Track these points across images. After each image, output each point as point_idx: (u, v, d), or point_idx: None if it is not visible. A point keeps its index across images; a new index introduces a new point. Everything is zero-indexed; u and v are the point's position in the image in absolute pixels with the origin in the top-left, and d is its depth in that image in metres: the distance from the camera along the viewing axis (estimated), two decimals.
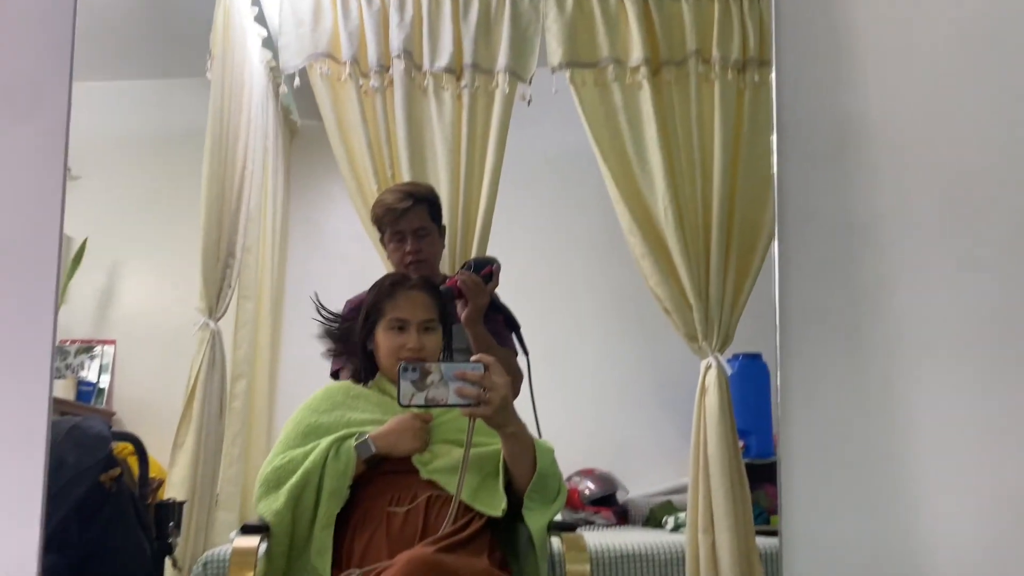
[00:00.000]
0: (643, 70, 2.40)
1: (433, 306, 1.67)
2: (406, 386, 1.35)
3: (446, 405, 1.38)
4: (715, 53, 2.39)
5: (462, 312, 1.95)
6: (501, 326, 2.08)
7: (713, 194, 2.35)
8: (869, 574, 1.26)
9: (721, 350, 2.37)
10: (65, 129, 1.20)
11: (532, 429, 1.78)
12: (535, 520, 1.48)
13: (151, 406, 3.41)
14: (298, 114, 3.46)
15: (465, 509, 1.49)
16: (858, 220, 1.26)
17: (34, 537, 0.95)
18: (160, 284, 3.66)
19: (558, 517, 1.55)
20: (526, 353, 2.05)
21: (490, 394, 1.37)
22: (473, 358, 1.40)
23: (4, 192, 1.19)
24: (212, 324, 2.57)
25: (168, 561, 1.65)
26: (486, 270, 1.99)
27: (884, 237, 1.27)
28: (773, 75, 1.60)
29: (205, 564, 2.28)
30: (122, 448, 1.67)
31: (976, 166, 1.30)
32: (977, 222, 1.29)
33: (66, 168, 1.19)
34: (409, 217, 2.07)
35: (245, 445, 2.87)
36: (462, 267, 2.03)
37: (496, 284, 2.01)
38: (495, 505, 1.50)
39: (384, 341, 1.64)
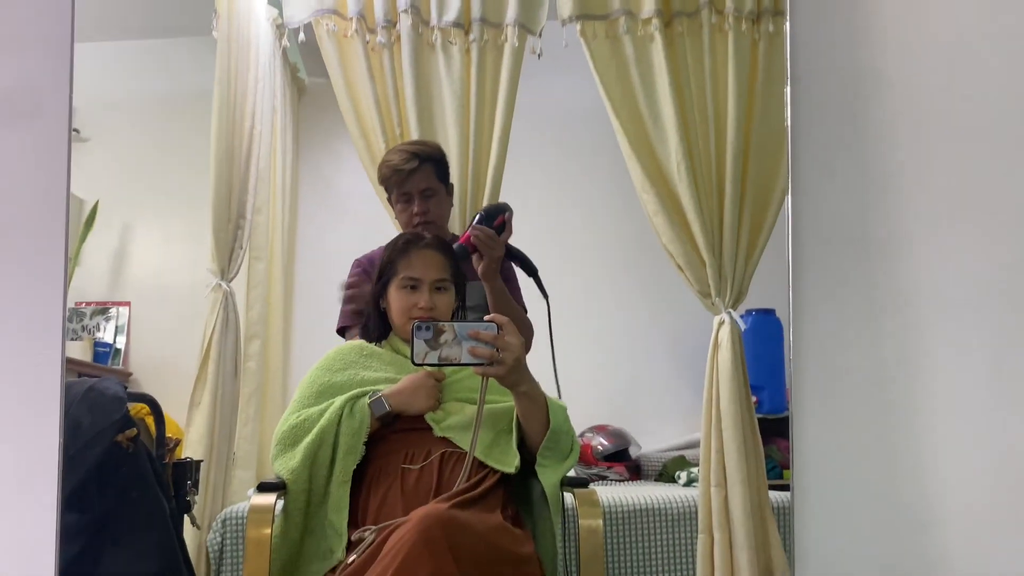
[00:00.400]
0: (655, 22, 2.35)
1: (446, 266, 1.68)
2: (419, 345, 1.36)
3: (459, 364, 1.38)
4: (728, 3, 2.33)
5: (478, 266, 1.93)
6: (509, 270, 2.05)
7: (727, 148, 2.31)
8: (881, 528, 1.26)
9: (734, 306, 2.35)
10: (69, 89, 1.19)
11: (550, 378, 1.79)
12: (548, 476, 1.49)
13: (167, 366, 3.45)
14: (305, 72, 3.42)
15: (479, 466, 1.50)
16: (873, 174, 1.24)
17: (52, 499, 0.96)
18: (172, 245, 3.67)
19: (571, 473, 1.56)
20: (545, 297, 2.02)
21: (504, 354, 1.37)
22: (487, 317, 1.40)
23: (10, 156, 1.18)
24: (224, 285, 2.58)
25: (187, 519, 1.67)
26: (498, 220, 1.94)
27: (900, 191, 1.25)
28: (787, 25, 1.56)
29: (224, 521, 2.32)
30: (139, 409, 1.68)
31: (994, 119, 1.27)
32: (995, 176, 1.26)
33: (71, 128, 1.18)
34: (415, 178, 2.04)
35: (260, 404, 2.90)
36: (473, 218, 2.00)
37: (510, 233, 1.96)
38: (508, 462, 1.51)
39: (396, 300, 1.65)
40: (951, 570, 1.24)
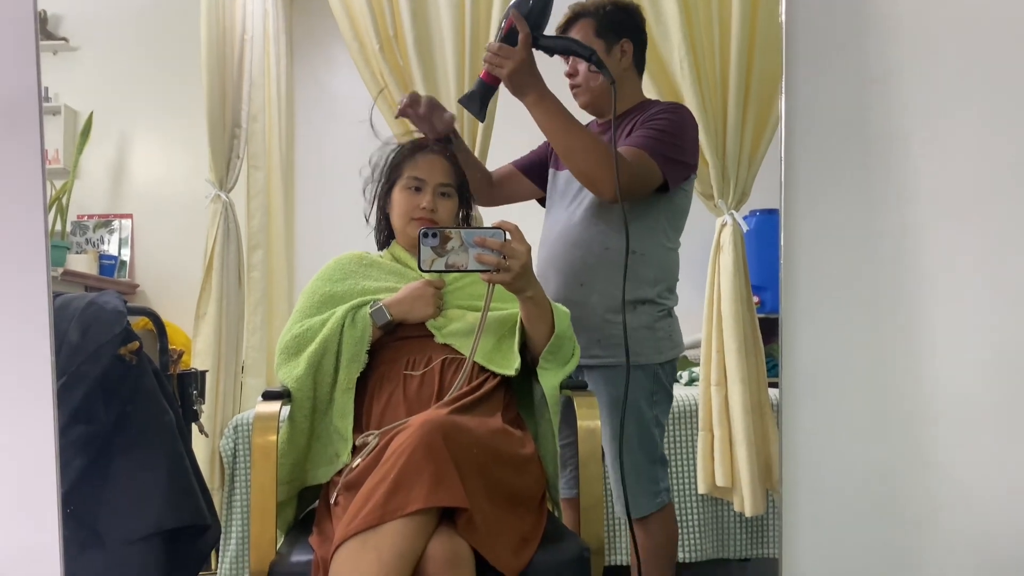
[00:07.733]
0: None
1: (451, 172, 1.68)
2: (426, 251, 1.35)
3: (466, 270, 1.38)
4: None
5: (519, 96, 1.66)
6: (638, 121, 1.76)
7: (731, 44, 2.23)
8: (872, 427, 1.28)
9: (737, 207, 2.33)
10: None
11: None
12: (549, 379, 1.51)
13: (174, 276, 3.48)
14: None
15: (480, 370, 1.53)
16: (871, 69, 1.19)
17: (48, 416, 0.98)
18: (170, 156, 3.64)
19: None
20: (611, 80, 1.67)
21: (510, 261, 1.37)
22: (495, 223, 1.39)
23: None
24: (224, 196, 2.56)
25: (195, 428, 1.72)
26: (505, 27, 1.64)
27: (899, 91, 1.20)
28: None
29: (235, 427, 2.39)
30: (145, 322, 1.70)
31: (998, 12, 1.21)
32: (998, 77, 1.21)
33: (37, 23, 1.13)
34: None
35: (267, 313, 2.93)
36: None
37: (527, 35, 1.61)
38: (508, 365, 1.53)
39: (400, 201, 1.65)
40: (943, 467, 1.27)
